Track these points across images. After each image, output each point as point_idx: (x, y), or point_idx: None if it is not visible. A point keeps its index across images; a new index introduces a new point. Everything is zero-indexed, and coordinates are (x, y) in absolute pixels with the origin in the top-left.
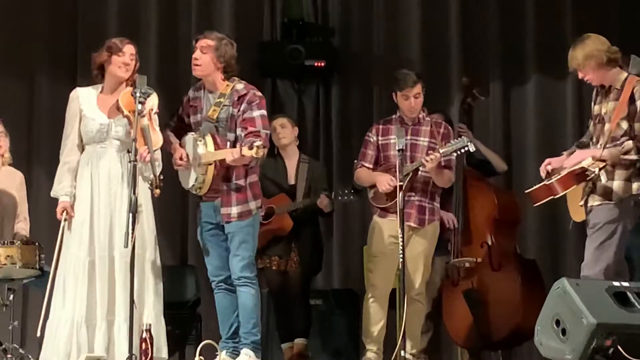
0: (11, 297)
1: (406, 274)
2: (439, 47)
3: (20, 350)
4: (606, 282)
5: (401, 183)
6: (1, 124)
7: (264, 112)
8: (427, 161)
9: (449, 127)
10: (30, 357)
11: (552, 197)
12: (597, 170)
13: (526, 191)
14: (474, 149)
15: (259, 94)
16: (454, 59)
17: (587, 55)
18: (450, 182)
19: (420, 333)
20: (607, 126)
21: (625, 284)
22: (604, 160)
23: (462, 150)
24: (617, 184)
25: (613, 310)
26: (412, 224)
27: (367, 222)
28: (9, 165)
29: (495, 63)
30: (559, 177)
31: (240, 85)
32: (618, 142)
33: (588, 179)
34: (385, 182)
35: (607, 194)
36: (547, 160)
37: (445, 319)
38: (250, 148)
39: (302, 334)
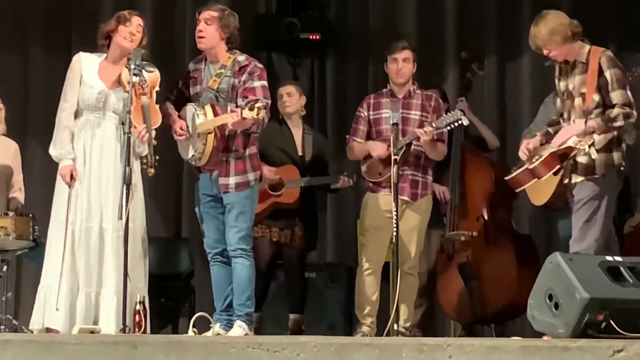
0: (5, 268)
1: (399, 247)
2: (435, 21)
3: (14, 322)
4: (599, 257)
5: (396, 157)
6: None
7: (265, 82)
8: (422, 134)
9: (440, 100)
10: (23, 328)
11: (535, 180)
12: (586, 147)
13: (506, 178)
14: (467, 123)
15: (260, 65)
16: (450, 33)
17: (552, 30)
18: (443, 155)
19: (414, 307)
20: (577, 101)
21: (618, 258)
22: (591, 135)
23: (456, 124)
24: (598, 158)
25: (606, 284)
26: (406, 198)
27: (361, 196)
28: (3, 135)
29: (491, 38)
30: (542, 159)
31: (241, 57)
32: (592, 115)
33: (571, 156)
34: (379, 148)
35: (589, 168)
36: (525, 142)
37: (440, 292)
38: (251, 109)
39: (297, 310)
